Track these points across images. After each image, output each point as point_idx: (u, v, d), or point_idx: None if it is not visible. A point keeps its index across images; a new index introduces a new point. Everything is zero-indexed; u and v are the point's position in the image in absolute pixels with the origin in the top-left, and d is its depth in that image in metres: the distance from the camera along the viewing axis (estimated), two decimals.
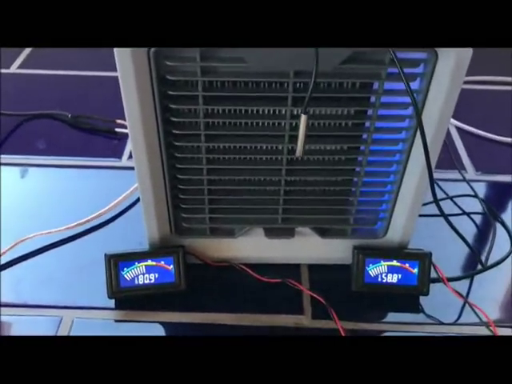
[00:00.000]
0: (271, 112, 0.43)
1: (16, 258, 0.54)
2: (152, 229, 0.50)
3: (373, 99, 0.43)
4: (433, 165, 0.44)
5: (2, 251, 0.54)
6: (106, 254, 0.49)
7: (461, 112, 0.75)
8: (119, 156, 0.67)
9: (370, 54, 0.39)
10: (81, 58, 0.86)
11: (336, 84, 0.42)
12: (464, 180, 0.65)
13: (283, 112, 0.43)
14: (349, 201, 0.50)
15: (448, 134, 0.73)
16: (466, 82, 0.78)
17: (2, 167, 0.65)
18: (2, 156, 0.67)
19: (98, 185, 0.63)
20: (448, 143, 0.69)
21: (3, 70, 0.83)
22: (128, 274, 0.49)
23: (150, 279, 0.50)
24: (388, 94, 0.42)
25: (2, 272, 0.53)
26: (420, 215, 0.49)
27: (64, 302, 0.51)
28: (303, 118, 0.37)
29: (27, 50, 0.89)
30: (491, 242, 0.58)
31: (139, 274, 0.50)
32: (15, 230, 0.56)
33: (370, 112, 0.43)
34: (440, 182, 0.65)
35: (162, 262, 0.50)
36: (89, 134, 0.71)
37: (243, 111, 0.43)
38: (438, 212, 0.47)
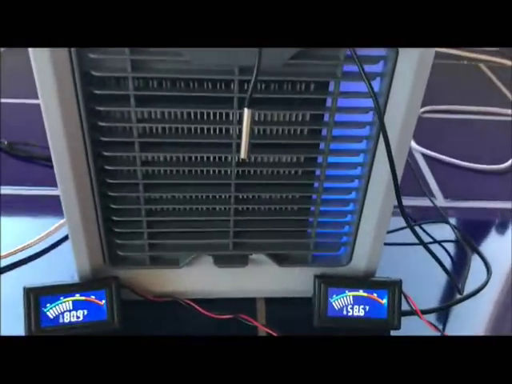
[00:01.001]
0: (216, 116, 0.38)
1: None
2: (81, 258, 0.43)
3: (329, 102, 0.38)
4: (398, 178, 0.39)
5: None
6: (24, 288, 0.41)
7: (427, 139, 0.73)
8: (56, 185, 0.61)
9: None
10: (17, 85, 0.81)
11: (288, 85, 0.37)
12: (434, 207, 0.61)
13: (230, 116, 0.38)
14: (308, 222, 0.44)
15: (415, 161, 0.70)
16: (431, 111, 0.77)
17: None
18: None
19: (33, 215, 0.57)
20: (415, 170, 0.65)
21: None
22: (51, 310, 0.42)
23: (77, 317, 0.42)
24: (345, 96, 0.37)
25: None
26: (388, 244, 0.44)
27: None
28: (246, 112, 0.32)
29: None
30: (466, 271, 0.52)
31: (65, 311, 0.42)
32: None
33: (326, 118, 0.39)
34: (409, 210, 0.60)
35: (93, 297, 0.43)
36: (25, 161, 0.65)
37: (184, 114, 0.38)
38: (404, 240, 0.43)
